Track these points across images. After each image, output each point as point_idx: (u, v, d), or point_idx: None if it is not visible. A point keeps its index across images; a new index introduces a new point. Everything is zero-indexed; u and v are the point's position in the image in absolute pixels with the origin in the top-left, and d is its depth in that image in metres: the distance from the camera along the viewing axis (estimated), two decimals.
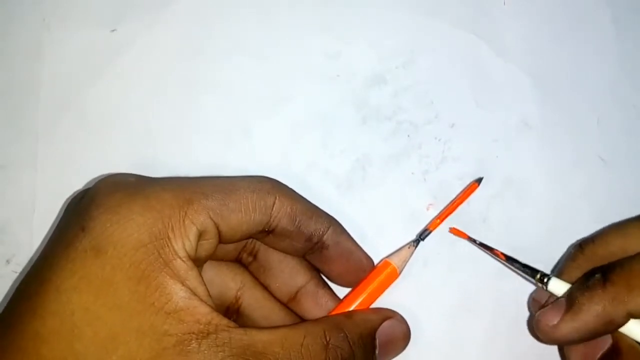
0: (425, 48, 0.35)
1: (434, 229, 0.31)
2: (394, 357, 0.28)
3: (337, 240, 0.28)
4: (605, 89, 0.36)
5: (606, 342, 0.27)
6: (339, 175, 0.34)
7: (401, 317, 0.28)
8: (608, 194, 0.34)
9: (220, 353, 0.22)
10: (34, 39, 0.34)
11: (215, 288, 0.28)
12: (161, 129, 0.34)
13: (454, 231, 0.32)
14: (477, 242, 0.31)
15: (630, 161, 0.35)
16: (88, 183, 0.32)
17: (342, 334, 0.25)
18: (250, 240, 0.29)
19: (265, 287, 0.30)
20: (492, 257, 0.31)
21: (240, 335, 0.22)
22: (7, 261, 0.32)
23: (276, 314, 0.29)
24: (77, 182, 0.32)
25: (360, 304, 0.29)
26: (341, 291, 0.30)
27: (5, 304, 0.23)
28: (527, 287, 0.33)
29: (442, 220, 0.31)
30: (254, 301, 0.29)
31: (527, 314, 0.32)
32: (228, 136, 0.34)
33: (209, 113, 0.34)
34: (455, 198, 0.32)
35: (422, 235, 0.31)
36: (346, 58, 0.35)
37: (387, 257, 0.30)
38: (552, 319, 0.27)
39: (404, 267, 0.30)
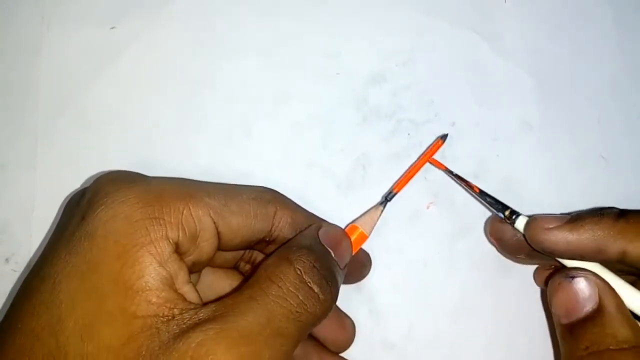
0: (425, 46, 0.35)
1: (399, 190, 0.31)
2: (348, 257, 0.27)
3: None
4: (606, 88, 0.35)
5: (592, 301, 0.27)
6: (339, 174, 0.34)
7: (328, 222, 0.28)
8: (609, 192, 0.34)
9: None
10: (33, 37, 0.34)
11: (213, 294, 0.28)
12: (161, 129, 0.33)
13: (434, 161, 0.32)
14: (454, 173, 0.32)
15: (631, 160, 0.35)
16: (87, 182, 0.32)
17: (301, 251, 0.24)
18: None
19: None
20: (466, 190, 0.32)
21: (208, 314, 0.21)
22: (7, 260, 0.32)
23: None
24: (76, 182, 0.32)
25: None
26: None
27: (3, 302, 0.23)
28: (527, 287, 0.33)
29: (408, 180, 0.31)
30: None
31: (526, 312, 0.32)
32: (228, 136, 0.34)
33: (209, 112, 0.34)
34: (420, 156, 0.33)
35: (388, 197, 0.31)
36: (346, 57, 0.35)
37: (354, 221, 0.30)
38: (549, 223, 0.27)
39: (372, 229, 0.30)
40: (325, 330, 0.29)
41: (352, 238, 0.28)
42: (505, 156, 0.34)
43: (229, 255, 0.29)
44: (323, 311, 0.23)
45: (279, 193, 0.27)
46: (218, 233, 0.25)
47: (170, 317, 0.21)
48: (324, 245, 0.25)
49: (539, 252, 0.28)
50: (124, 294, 0.21)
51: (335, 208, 0.32)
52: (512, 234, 0.30)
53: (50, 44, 0.34)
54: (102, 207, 0.23)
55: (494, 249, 0.33)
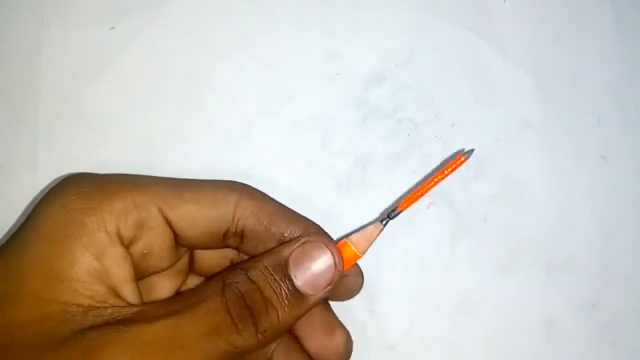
0: (425, 47, 0.35)
1: (404, 209, 0.26)
2: (325, 284, 0.24)
3: None
4: (606, 87, 0.36)
5: None
6: (339, 174, 0.34)
7: (314, 228, 0.26)
8: (609, 192, 0.34)
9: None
10: (33, 37, 0.34)
11: None
12: (161, 129, 0.33)
13: None
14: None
15: (631, 160, 0.35)
16: None
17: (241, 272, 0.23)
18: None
19: None
20: None
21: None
22: None
23: None
24: None
25: None
26: None
27: None
28: (527, 287, 0.33)
29: (416, 200, 0.26)
30: None
31: (526, 312, 0.32)
32: (228, 136, 0.34)
33: (209, 112, 0.34)
34: (434, 173, 0.28)
35: (391, 215, 0.26)
36: (346, 57, 0.35)
37: (348, 235, 0.26)
38: None
39: (367, 249, 0.26)
40: (311, 341, 0.27)
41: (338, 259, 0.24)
42: (505, 156, 0.34)
43: (213, 262, 0.27)
44: (243, 344, 0.22)
45: (247, 185, 0.26)
46: (169, 222, 0.24)
47: (93, 309, 0.21)
48: (273, 275, 0.23)
49: None
50: (47, 279, 0.21)
51: (335, 208, 0.32)
52: None
53: (50, 44, 0.34)
54: (45, 198, 0.23)
55: (494, 249, 0.33)
